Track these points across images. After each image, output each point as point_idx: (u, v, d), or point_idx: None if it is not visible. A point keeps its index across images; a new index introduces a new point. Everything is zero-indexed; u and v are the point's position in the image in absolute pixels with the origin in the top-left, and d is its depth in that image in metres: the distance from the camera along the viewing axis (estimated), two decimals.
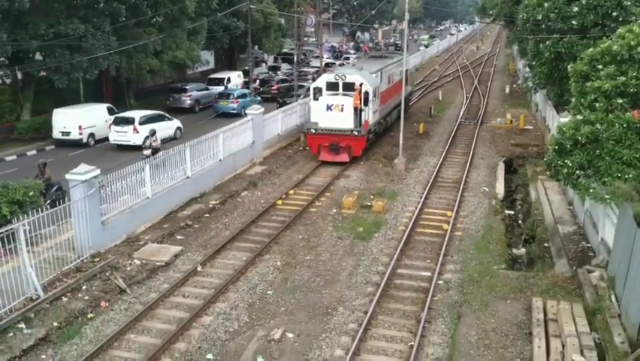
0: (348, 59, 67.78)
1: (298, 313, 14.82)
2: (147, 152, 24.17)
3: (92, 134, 32.92)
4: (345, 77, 28.19)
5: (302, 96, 37.40)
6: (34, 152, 31.50)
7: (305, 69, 56.31)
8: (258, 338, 13.74)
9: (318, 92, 28.56)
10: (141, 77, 41.04)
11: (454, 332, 13.82)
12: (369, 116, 28.33)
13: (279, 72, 57.20)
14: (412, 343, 13.28)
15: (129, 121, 31.84)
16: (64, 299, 14.89)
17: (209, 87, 46.47)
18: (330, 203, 22.78)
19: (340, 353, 13.01)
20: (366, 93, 27.70)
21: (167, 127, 33.45)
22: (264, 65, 65.47)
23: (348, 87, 27.85)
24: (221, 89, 45.70)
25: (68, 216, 16.45)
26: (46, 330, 13.59)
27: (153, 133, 25.75)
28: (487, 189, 24.54)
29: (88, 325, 14.12)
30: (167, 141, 30.94)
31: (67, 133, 32.37)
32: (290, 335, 13.82)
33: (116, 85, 42.94)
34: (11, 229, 14.13)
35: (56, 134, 32.53)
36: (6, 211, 16.59)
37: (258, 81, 49.44)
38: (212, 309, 14.95)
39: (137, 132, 31.17)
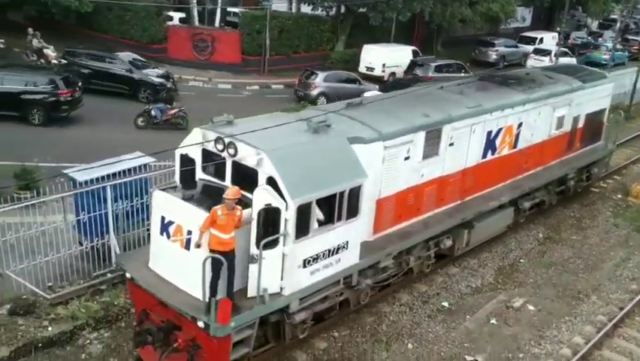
0: None
1: (546, 289, 14.26)
2: None
3: (393, 73, 34.40)
4: (235, 148, 9.96)
5: None
6: None
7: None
8: (498, 300, 13.61)
9: (186, 166, 10.77)
10: (452, 25, 41.50)
11: None
12: (283, 276, 9.73)
13: (600, 39, 52.57)
14: None
15: (547, 53, 40.52)
16: None
17: (519, 45, 44.86)
18: (617, 187, 20.89)
19: (579, 340, 12.31)
20: (269, 212, 9.24)
21: None
22: (585, 29, 60.75)
23: (242, 177, 10.02)
24: (530, 48, 43.85)
25: None
26: None
27: None
28: None
29: None
30: None
31: (372, 69, 34.46)
32: (531, 308, 13.43)
33: (426, 30, 43.87)
34: None
35: (362, 68, 34.69)
36: None
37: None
38: (460, 262, 15.07)
39: (551, 62, 36.82)
